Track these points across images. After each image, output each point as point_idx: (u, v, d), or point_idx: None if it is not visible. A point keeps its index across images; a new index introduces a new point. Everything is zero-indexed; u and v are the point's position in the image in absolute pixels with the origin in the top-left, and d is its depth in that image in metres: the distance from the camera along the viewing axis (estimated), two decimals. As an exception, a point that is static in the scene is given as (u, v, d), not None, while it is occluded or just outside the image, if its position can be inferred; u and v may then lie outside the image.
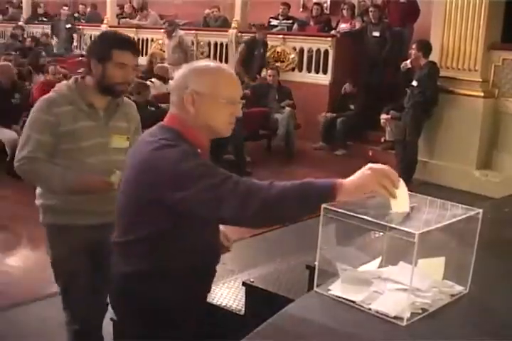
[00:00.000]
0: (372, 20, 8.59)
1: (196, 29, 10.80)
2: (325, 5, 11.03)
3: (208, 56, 10.18)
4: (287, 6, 10.27)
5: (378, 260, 1.98)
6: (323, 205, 1.76)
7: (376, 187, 1.72)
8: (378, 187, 1.72)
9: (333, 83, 8.57)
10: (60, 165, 2.49)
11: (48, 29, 13.31)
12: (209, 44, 10.32)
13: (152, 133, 1.94)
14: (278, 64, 9.20)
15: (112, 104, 2.59)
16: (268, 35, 9.62)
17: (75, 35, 12.76)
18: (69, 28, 12.61)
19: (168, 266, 1.91)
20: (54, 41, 12.79)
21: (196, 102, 1.90)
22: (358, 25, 9.19)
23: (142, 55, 11.02)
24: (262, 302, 2.74)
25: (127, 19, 12.26)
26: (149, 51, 10.29)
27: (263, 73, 8.90)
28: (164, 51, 9.92)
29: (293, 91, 8.26)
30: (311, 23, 10.27)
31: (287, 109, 7.92)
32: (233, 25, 9.98)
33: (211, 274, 2.10)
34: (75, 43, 12.85)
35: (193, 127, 1.92)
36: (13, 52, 9.88)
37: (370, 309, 1.74)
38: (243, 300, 2.93)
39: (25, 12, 14.20)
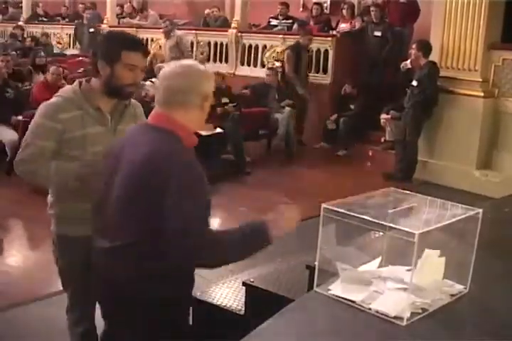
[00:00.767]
0: (374, 20, 8.57)
1: (196, 29, 10.79)
2: (325, 5, 11.02)
3: (208, 56, 10.18)
4: (286, 5, 10.26)
5: (378, 260, 1.98)
6: (323, 205, 1.76)
7: None
8: None
9: (333, 83, 8.56)
10: None
11: (47, 29, 13.31)
12: (209, 44, 10.31)
13: (146, 133, 1.98)
14: (278, 64, 9.19)
15: (119, 106, 2.50)
16: (268, 35, 9.61)
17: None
18: (92, 32, 11.78)
19: (169, 265, 1.91)
20: (77, 46, 12.16)
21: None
22: (358, 25, 9.18)
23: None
24: (262, 302, 2.74)
25: (127, 19, 12.24)
26: (151, 51, 10.26)
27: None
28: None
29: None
30: (311, 23, 10.27)
31: (287, 108, 7.91)
32: (233, 25, 9.97)
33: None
34: None
35: (185, 127, 1.98)
36: (13, 52, 9.89)
37: (370, 309, 1.74)
38: (243, 300, 2.93)
39: (25, 12, 14.20)
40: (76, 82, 2.49)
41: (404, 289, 1.76)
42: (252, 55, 9.70)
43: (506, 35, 6.51)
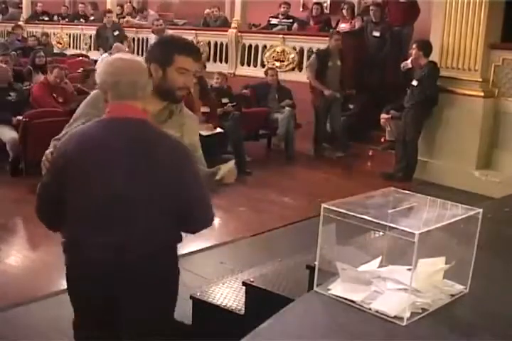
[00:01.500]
0: (374, 19, 8.58)
1: (196, 29, 10.80)
2: (325, 5, 11.03)
3: (208, 56, 10.19)
4: (288, 5, 10.26)
5: (378, 260, 1.98)
6: (323, 205, 1.76)
7: None
8: None
9: (333, 83, 8.56)
10: None
11: (47, 29, 13.31)
12: (209, 44, 10.32)
13: (146, 128, 2.19)
14: (278, 64, 9.20)
15: (165, 110, 2.45)
16: (268, 35, 9.62)
17: (124, 43, 10.41)
18: (117, 35, 10.94)
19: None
20: (100, 52, 10.85)
21: None
22: (358, 24, 9.19)
23: (142, 55, 11.04)
24: (262, 302, 2.74)
25: (128, 18, 12.23)
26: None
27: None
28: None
29: (293, 91, 8.26)
30: (311, 22, 10.27)
31: (287, 108, 7.91)
32: (233, 25, 9.98)
33: None
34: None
35: None
36: (13, 52, 9.89)
37: (370, 309, 1.74)
38: (243, 300, 2.93)
39: (25, 12, 14.20)
40: None
41: (405, 289, 1.76)
42: (252, 55, 9.70)
43: (506, 34, 6.51)
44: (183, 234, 2.27)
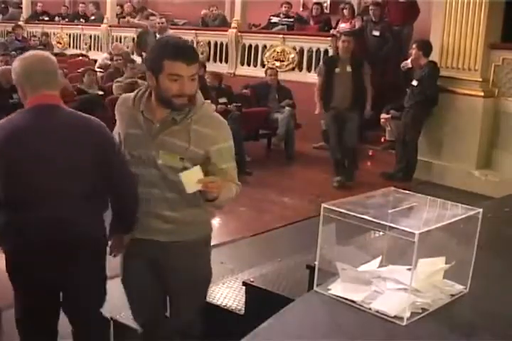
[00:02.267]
0: (373, 19, 8.57)
1: (196, 29, 10.79)
2: (325, 5, 11.03)
3: (208, 56, 10.18)
4: (290, 5, 10.26)
5: (378, 259, 1.98)
6: (323, 205, 1.76)
7: None
8: None
9: (333, 83, 8.56)
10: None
11: (47, 29, 13.31)
12: (209, 44, 10.32)
13: (67, 113, 2.38)
14: (278, 64, 9.19)
15: (168, 118, 2.31)
16: (268, 35, 9.61)
17: None
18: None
19: None
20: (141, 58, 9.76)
21: None
22: (358, 24, 9.18)
23: (142, 55, 11.04)
24: (262, 302, 2.74)
25: (128, 18, 12.23)
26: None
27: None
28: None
29: (293, 91, 8.26)
30: (311, 22, 10.27)
31: (287, 108, 7.91)
32: (233, 25, 9.98)
33: None
34: None
35: None
36: (13, 52, 9.88)
37: (370, 309, 1.74)
38: (243, 300, 2.94)
39: (25, 12, 14.20)
40: (145, 85, 2.41)
41: (405, 289, 1.76)
42: (252, 54, 9.70)
43: (506, 34, 6.50)
44: None
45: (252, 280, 2.91)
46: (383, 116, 7.24)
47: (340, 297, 1.80)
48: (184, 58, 2.18)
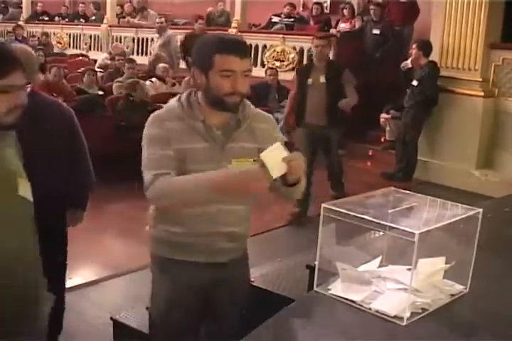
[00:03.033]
0: (374, 18, 8.58)
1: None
2: (325, 4, 11.03)
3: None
4: (293, 7, 10.24)
5: (378, 259, 1.98)
6: (323, 205, 1.76)
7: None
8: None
9: (333, 83, 8.55)
10: None
11: (47, 29, 13.31)
12: (209, 44, 10.31)
13: (35, 98, 2.39)
14: (278, 63, 9.19)
15: (231, 120, 2.10)
16: (268, 35, 9.60)
17: None
18: None
19: None
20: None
21: None
22: (358, 24, 9.19)
23: (142, 55, 11.06)
24: (262, 302, 2.74)
25: (128, 18, 12.22)
26: (152, 52, 10.22)
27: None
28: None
29: (293, 90, 8.24)
30: (311, 22, 10.27)
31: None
32: (233, 24, 9.98)
33: None
34: None
35: None
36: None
37: (370, 309, 1.74)
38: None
39: (25, 12, 14.21)
40: (185, 94, 2.16)
41: (405, 289, 1.76)
42: (252, 54, 9.69)
43: (506, 34, 6.51)
44: None
45: (252, 280, 2.90)
46: (383, 116, 7.24)
47: (340, 297, 1.80)
48: (237, 51, 1.99)
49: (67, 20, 13.82)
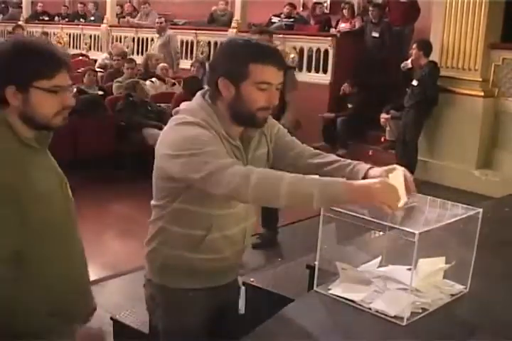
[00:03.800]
0: (373, 20, 8.59)
1: (196, 29, 10.79)
2: (325, 4, 11.03)
3: (208, 56, 10.17)
4: (293, 7, 10.24)
5: (378, 259, 1.98)
6: (323, 205, 1.75)
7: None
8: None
9: (334, 83, 8.54)
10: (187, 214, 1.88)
11: (47, 28, 13.30)
12: (209, 44, 10.31)
13: None
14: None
15: (252, 133, 1.93)
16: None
17: None
18: None
19: None
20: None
21: None
22: (358, 24, 9.19)
23: (142, 55, 11.05)
24: (262, 302, 2.74)
25: (128, 18, 12.22)
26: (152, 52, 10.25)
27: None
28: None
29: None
30: (312, 21, 10.27)
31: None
32: (233, 24, 9.97)
33: None
34: None
35: None
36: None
37: (370, 309, 1.74)
38: (243, 300, 2.93)
39: (25, 11, 14.21)
40: (201, 99, 1.88)
41: (405, 289, 1.76)
42: (252, 54, 9.70)
43: (506, 34, 6.51)
44: None
45: (252, 280, 2.90)
46: (383, 116, 7.25)
47: (341, 297, 1.80)
48: (275, 62, 1.80)
49: (67, 20, 13.83)
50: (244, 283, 2.90)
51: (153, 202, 1.98)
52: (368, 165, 1.92)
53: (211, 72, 1.89)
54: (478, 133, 6.58)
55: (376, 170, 1.87)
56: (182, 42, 10.36)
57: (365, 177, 1.84)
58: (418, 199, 1.87)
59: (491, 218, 2.32)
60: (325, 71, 8.69)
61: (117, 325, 2.89)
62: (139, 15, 12.26)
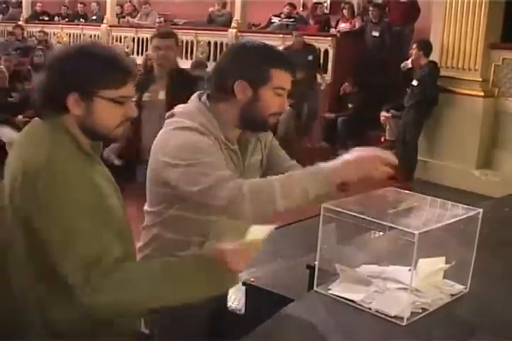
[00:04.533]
0: (373, 20, 8.59)
1: (196, 29, 10.79)
2: (325, 4, 11.04)
3: (208, 56, 10.18)
4: (293, 7, 10.24)
5: (378, 259, 1.98)
6: (323, 205, 1.76)
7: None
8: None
9: (333, 83, 8.56)
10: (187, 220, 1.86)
11: (47, 29, 13.29)
12: (209, 44, 10.32)
13: None
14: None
15: (251, 137, 1.95)
16: (268, 35, 9.60)
17: None
18: None
19: None
20: None
21: None
22: (358, 24, 9.19)
23: (142, 55, 11.05)
24: (262, 302, 2.74)
25: (128, 18, 12.22)
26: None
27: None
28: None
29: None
30: (311, 21, 10.27)
31: (287, 108, 7.87)
32: (233, 24, 9.97)
33: None
34: None
35: None
36: (14, 52, 9.88)
37: (370, 308, 1.74)
38: (243, 300, 2.93)
39: (25, 11, 14.21)
40: (200, 103, 1.86)
41: (405, 289, 1.76)
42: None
43: (506, 34, 6.52)
44: None
45: (252, 280, 2.90)
46: (383, 114, 7.25)
47: (341, 297, 1.80)
48: (291, 68, 1.84)
49: (67, 20, 13.83)
50: (244, 283, 2.92)
51: (147, 208, 1.94)
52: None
53: (221, 73, 1.85)
54: (478, 133, 6.59)
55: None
56: (182, 42, 10.36)
57: None
58: (418, 199, 1.87)
59: (491, 218, 2.32)
60: (325, 71, 8.70)
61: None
62: (139, 15, 12.27)
